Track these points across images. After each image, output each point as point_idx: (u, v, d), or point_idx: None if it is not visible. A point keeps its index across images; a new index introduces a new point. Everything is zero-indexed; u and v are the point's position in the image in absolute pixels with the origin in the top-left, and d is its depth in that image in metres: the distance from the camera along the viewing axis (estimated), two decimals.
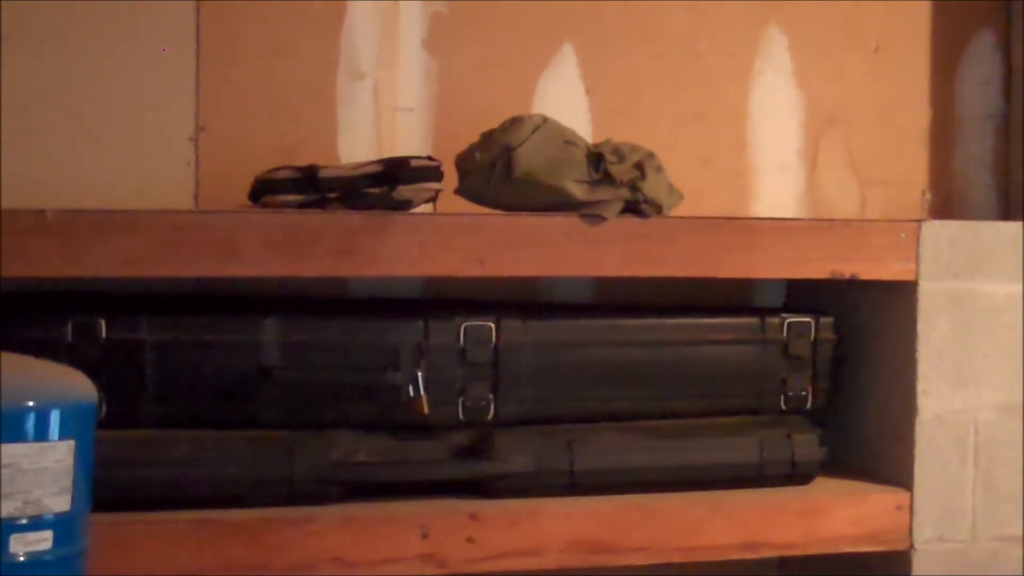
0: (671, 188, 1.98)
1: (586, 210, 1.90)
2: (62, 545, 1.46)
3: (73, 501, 1.47)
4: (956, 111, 2.51)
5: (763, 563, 2.33)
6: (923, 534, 2.02)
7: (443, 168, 1.91)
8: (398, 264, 1.83)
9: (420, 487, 1.90)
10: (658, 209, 1.94)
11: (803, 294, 2.23)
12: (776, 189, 2.40)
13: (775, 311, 2.10)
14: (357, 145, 2.19)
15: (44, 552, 1.45)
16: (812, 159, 2.43)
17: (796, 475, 2.04)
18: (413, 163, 1.88)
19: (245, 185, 1.96)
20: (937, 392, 2.02)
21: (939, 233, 2.02)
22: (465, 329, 1.93)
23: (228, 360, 1.86)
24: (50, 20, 2.06)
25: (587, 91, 2.30)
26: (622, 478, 1.96)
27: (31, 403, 1.44)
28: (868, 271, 2.00)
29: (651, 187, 1.93)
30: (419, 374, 1.90)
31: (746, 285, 2.30)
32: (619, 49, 2.32)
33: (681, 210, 2.00)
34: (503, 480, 1.91)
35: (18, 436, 1.42)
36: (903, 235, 2.01)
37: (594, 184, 1.92)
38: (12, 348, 1.58)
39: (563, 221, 1.89)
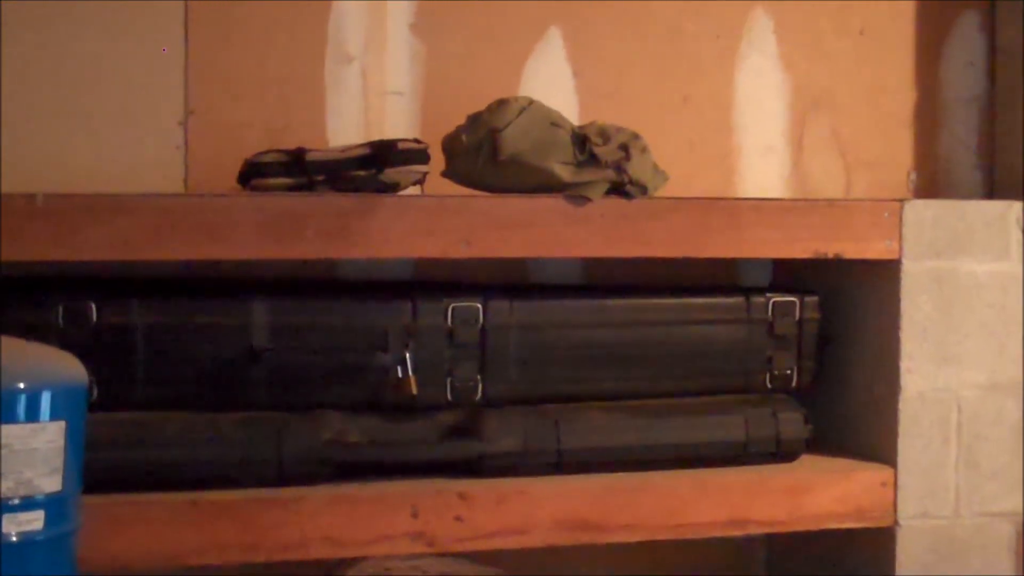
0: (656, 169, 2.00)
1: (571, 191, 1.91)
2: (54, 525, 1.48)
3: (64, 482, 1.49)
4: (941, 92, 2.52)
5: (751, 540, 2.36)
6: (907, 510, 2.04)
7: (430, 151, 1.92)
8: (385, 246, 1.85)
9: (409, 467, 1.92)
10: (643, 190, 1.95)
11: (788, 274, 2.24)
12: (762, 171, 2.41)
13: (760, 291, 2.11)
14: (345, 128, 2.20)
15: (36, 532, 1.46)
16: (798, 141, 2.44)
17: (781, 453, 2.05)
18: (400, 146, 1.89)
19: (234, 169, 1.97)
20: (920, 370, 2.04)
21: (922, 213, 2.04)
22: (453, 310, 1.94)
23: (218, 342, 1.87)
24: (39, 5, 2.07)
25: (574, 74, 2.31)
26: (609, 457, 1.98)
27: (22, 385, 1.45)
28: (852, 250, 2.02)
29: (636, 168, 1.94)
30: (407, 355, 1.91)
31: (732, 265, 2.31)
32: (606, 32, 2.33)
33: (667, 191, 2.02)
34: (491, 459, 1.92)
35: (10, 417, 1.44)
36: (886, 214, 2.03)
37: (579, 166, 1.93)
38: (3, 331, 1.59)
39: (549, 202, 1.90)
